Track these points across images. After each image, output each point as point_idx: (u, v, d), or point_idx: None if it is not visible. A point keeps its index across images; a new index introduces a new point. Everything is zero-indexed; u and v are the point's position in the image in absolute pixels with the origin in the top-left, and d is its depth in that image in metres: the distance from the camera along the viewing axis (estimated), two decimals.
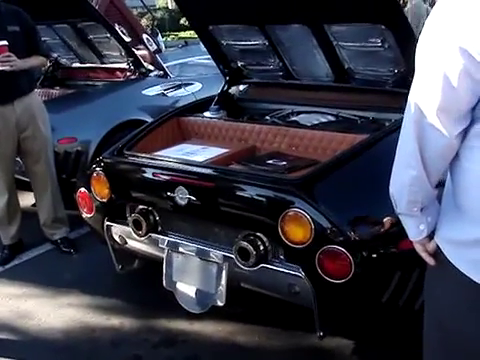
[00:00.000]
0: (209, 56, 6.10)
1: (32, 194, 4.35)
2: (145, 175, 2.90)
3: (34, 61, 3.99)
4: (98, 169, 3.06)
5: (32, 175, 4.10)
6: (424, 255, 1.56)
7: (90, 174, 3.09)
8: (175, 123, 3.58)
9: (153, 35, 6.84)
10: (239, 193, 2.61)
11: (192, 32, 18.52)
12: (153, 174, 2.84)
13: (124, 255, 3.27)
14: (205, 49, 6.38)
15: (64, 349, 3.05)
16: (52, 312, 3.42)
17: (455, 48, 1.26)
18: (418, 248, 1.57)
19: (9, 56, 3.65)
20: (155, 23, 11.07)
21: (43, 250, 4.24)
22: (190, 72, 5.81)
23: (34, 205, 4.40)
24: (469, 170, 1.39)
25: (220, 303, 2.75)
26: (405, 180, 1.48)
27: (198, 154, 3.08)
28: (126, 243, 3.12)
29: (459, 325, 1.48)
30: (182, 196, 2.67)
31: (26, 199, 4.68)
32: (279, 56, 3.59)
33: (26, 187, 4.40)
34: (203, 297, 2.81)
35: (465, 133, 1.38)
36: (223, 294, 2.71)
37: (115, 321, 3.27)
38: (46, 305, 3.50)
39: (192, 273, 2.82)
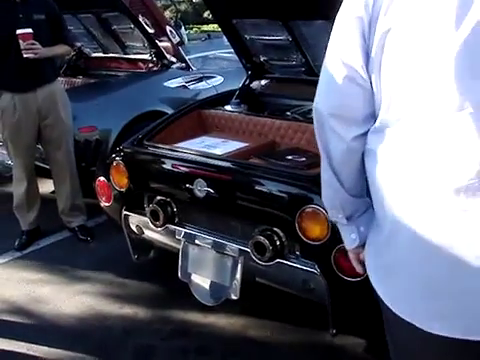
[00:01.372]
0: (231, 50, 6.15)
1: (51, 181, 4.38)
2: (164, 166, 2.91)
3: (59, 50, 4.02)
4: (118, 158, 3.07)
5: (52, 163, 4.13)
6: (355, 263, 1.58)
7: (110, 163, 3.10)
8: (196, 115, 3.59)
9: (176, 27, 6.85)
10: (257, 187, 2.61)
11: (215, 26, 18.59)
12: (172, 165, 2.85)
13: (140, 245, 3.29)
14: (228, 43, 6.42)
15: (77, 335, 3.08)
16: (67, 298, 3.45)
17: (336, 57, 1.33)
18: (351, 256, 1.59)
19: (33, 44, 3.68)
20: (178, 16, 11.11)
21: (60, 237, 4.28)
22: (212, 65, 5.82)
23: (53, 192, 4.44)
24: (369, 173, 1.40)
25: (234, 297, 2.75)
26: (323, 184, 1.51)
27: (218, 147, 3.08)
28: (143, 233, 3.13)
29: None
30: (201, 188, 2.67)
31: (45, 186, 4.71)
32: (302, 52, 3.58)
33: (45, 174, 4.44)
34: (217, 290, 2.81)
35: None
36: (238, 288, 2.71)
37: (128, 310, 3.29)
38: (61, 291, 3.53)
39: (207, 265, 2.82)
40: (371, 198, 1.43)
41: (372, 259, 1.44)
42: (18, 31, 3.64)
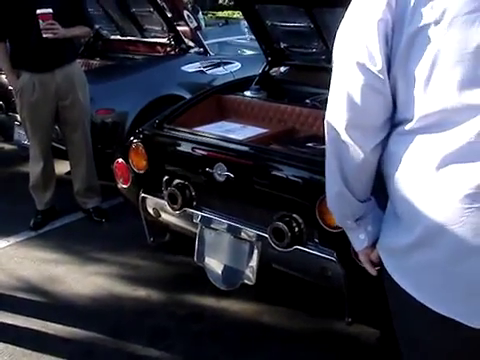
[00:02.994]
0: (248, 36, 6.13)
1: (67, 162, 4.40)
2: (184, 149, 2.91)
3: (78, 31, 4.02)
4: (137, 141, 3.07)
5: (69, 144, 4.14)
6: (367, 266, 1.56)
7: (129, 145, 3.10)
8: (215, 100, 3.57)
9: (194, 12, 6.81)
10: (278, 173, 2.60)
11: (230, 12, 18.51)
12: (192, 149, 2.84)
13: (156, 228, 3.29)
14: (245, 29, 6.39)
15: (90, 316, 3.10)
16: (81, 279, 3.47)
17: (353, 64, 1.28)
18: (362, 259, 1.57)
19: (53, 24, 3.68)
20: (195, 0, 11.08)
21: (75, 218, 4.30)
22: (229, 51, 5.78)
23: (68, 173, 4.46)
24: (389, 176, 1.37)
25: (250, 282, 2.75)
26: (332, 195, 1.49)
27: (238, 132, 3.07)
28: (159, 216, 3.13)
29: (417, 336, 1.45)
30: (220, 172, 2.67)
31: (61, 167, 4.72)
32: (323, 40, 3.55)
33: (61, 155, 4.45)
34: (233, 275, 2.81)
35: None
36: (254, 273, 2.71)
37: (142, 292, 3.31)
38: (75, 272, 3.55)
39: (224, 250, 2.82)
40: (380, 198, 1.43)
41: (395, 258, 1.40)
42: (38, 11, 3.63)
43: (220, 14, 17.94)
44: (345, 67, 1.30)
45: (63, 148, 4.29)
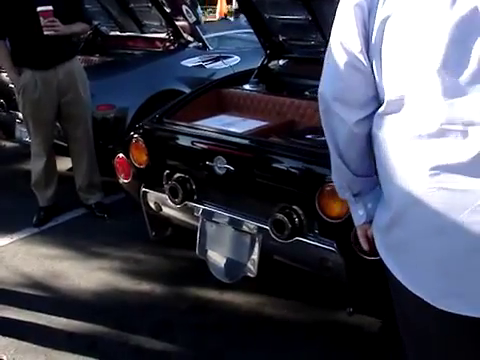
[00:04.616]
0: (247, 30, 6.12)
1: (67, 159, 4.42)
2: (184, 143, 2.93)
3: (77, 27, 4.03)
4: (137, 136, 3.09)
5: (71, 140, 4.16)
6: (362, 240, 1.63)
7: (129, 140, 3.12)
8: (214, 94, 3.59)
9: (192, 7, 6.81)
10: (278, 165, 2.61)
11: (229, 6, 18.47)
12: (192, 143, 2.86)
13: (158, 222, 3.32)
14: (244, 23, 6.39)
15: (95, 310, 3.12)
16: (84, 274, 3.49)
17: (338, 43, 1.37)
18: (359, 233, 1.64)
19: (54, 21, 3.70)
20: None
21: (77, 214, 4.32)
22: (228, 45, 5.78)
23: (70, 170, 4.47)
24: (376, 156, 1.44)
25: (252, 274, 2.77)
26: (332, 166, 1.57)
27: (237, 125, 3.09)
28: (161, 210, 3.15)
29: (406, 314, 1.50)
30: (220, 166, 2.69)
31: (62, 164, 4.74)
32: (321, 32, 3.56)
33: (62, 152, 4.47)
34: (235, 267, 2.83)
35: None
36: (255, 265, 2.73)
37: (146, 286, 3.33)
38: (79, 267, 3.58)
39: (225, 243, 2.84)
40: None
41: (381, 235, 1.46)
42: (39, 8, 3.65)
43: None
44: (333, 47, 1.40)
45: (64, 145, 4.30)
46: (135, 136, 3.10)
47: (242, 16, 7.68)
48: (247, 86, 3.66)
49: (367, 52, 1.35)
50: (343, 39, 1.36)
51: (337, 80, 1.40)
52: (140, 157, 3.07)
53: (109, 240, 3.88)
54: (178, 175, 2.92)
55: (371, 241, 1.57)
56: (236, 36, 6.17)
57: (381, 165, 1.40)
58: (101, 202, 4.28)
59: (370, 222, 1.55)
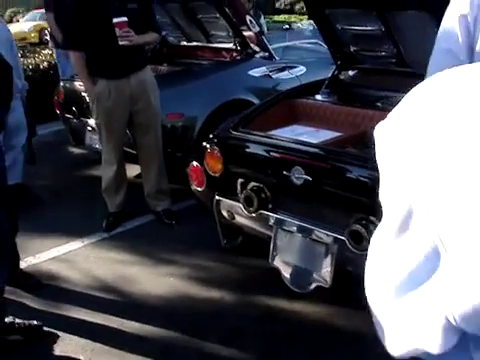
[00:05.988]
0: (311, 40, 6.13)
1: (135, 166, 4.50)
2: (260, 153, 2.95)
3: (149, 37, 4.13)
4: (213, 144, 3.13)
5: (140, 147, 4.24)
6: None
7: (205, 149, 3.16)
8: (287, 104, 3.61)
9: (256, 17, 6.86)
10: (355, 176, 2.61)
11: (286, 16, 18.53)
12: (269, 152, 2.89)
13: (230, 230, 3.35)
14: (308, 33, 6.40)
15: (165, 316, 3.17)
16: (154, 279, 3.54)
17: (442, 51, 1.42)
18: None
19: (128, 32, 3.80)
20: (250, 6, 11.11)
21: (145, 220, 4.39)
22: (293, 55, 5.79)
23: (137, 176, 4.56)
24: None
25: (325, 285, 2.77)
26: None
27: (312, 136, 3.11)
28: (234, 218, 3.18)
29: None
30: (298, 176, 2.70)
31: (130, 170, 4.84)
32: (394, 43, 3.54)
33: (130, 159, 4.56)
34: (308, 277, 2.84)
35: None
36: (330, 276, 2.73)
37: (215, 293, 3.35)
38: (148, 272, 3.64)
39: (300, 252, 2.85)
40: None
41: None
42: (114, 19, 3.76)
43: (276, 18, 17.98)
44: (436, 53, 1.43)
45: (133, 152, 4.39)
46: (211, 145, 3.14)
47: (305, 26, 7.72)
48: (319, 96, 3.67)
49: (471, 60, 1.35)
50: (448, 47, 1.38)
51: None
52: (215, 166, 3.11)
53: (177, 246, 3.93)
54: (253, 184, 2.95)
55: None
56: (300, 46, 6.18)
57: None
58: (169, 209, 4.34)
59: None
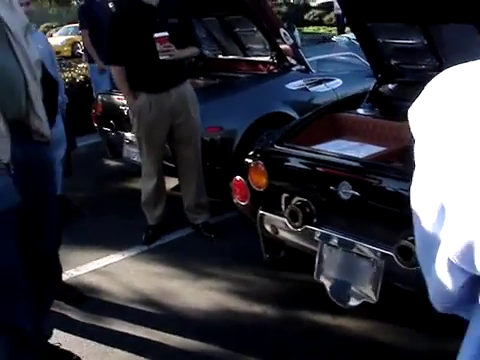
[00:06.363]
0: (347, 53, 6.12)
1: (174, 179, 4.52)
2: (306, 167, 2.95)
3: (189, 51, 4.18)
4: (258, 159, 3.14)
5: (180, 161, 4.26)
6: None
7: (249, 163, 3.17)
8: (329, 118, 3.60)
9: (290, 29, 6.87)
10: (403, 192, 2.58)
11: (315, 27, 18.55)
12: (314, 167, 2.88)
13: (273, 244, 3.34)
14: (343, 45, 6.38)
15: (208, 330, 3.16)
16: (195, 293, 3.55)
17: None
18: None
19: (169, 46, 3.84)
20: (281, 18, 11.17)
21: (184, 233, 4.41)
22: (328, 68, 5.79)
23: (175, 189, 4.58)
24: None
25: (372, 301, 2.75)
26: None
27: (356, 150, 3.09)
28: (277, 233, 3.18)
29: None
30: (346, 191, 2.69)
31: (169, 183, 4.87)
32: (437, 56, 3.51)
33: (169, 172, 4.59)
34: (354, 292, 2.81)
35: None
36: (377, 291, 2.70)
37: (257, 308, 3.34)
38: (188, 286, 3.64)
39: (345, 267, 2.83)
40: None
41: None
42: (155, 34, 3.80)
43: (305, 29, 18.04)
44: None
45: (171, 165, 4.42)
46: (256, 159, 3.15)
47: (339, 38, 7.70)
48: (361, 110, 3.65)
49: None
50: None
51: None
52: (260, 180, 3.11)
53: (217, 260, 3.93)
54: (298, 199, 2.94)
55: None
56: (335, 59, 6.17)
57: None
58: (208, 222, 4.35)
59: None
